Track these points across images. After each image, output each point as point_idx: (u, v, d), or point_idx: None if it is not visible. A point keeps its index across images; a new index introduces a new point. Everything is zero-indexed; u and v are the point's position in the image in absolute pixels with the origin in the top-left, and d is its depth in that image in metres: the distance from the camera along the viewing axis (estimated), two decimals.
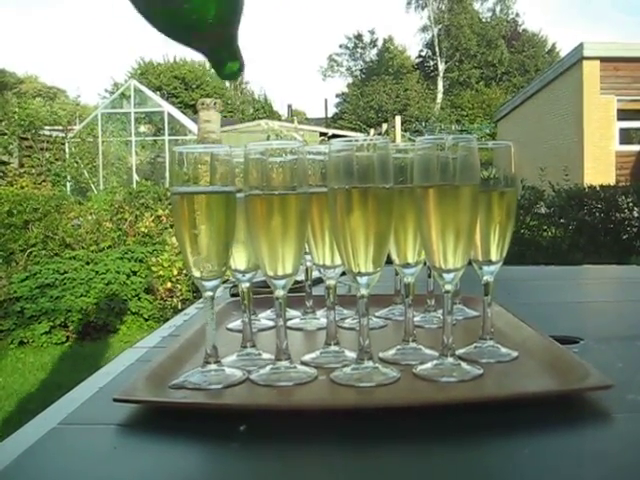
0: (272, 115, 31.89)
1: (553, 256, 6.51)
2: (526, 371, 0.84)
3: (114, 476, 0.62)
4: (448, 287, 0.84)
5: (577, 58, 12.91)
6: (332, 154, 0.81)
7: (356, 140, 0.82)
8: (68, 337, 5.36)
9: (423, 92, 35.53)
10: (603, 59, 12.70)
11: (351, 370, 0.82)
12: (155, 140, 13.51)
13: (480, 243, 0.91)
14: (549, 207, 7.35)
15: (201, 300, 0.98)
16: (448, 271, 0.83)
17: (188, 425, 0.72)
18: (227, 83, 36.78)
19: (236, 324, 1.11)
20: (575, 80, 13.06)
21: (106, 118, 13.05)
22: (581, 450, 0.66)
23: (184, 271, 5.23)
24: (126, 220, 6.87)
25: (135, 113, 13.24)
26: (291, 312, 1.14)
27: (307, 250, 0.95)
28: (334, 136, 15.98)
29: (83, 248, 6.43)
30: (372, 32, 39.43)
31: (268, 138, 11.36)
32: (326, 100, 48.29)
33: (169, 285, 5.48)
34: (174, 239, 5.37)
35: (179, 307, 5.20)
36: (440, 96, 35.79)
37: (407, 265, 0.95)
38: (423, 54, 38.47)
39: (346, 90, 38.15)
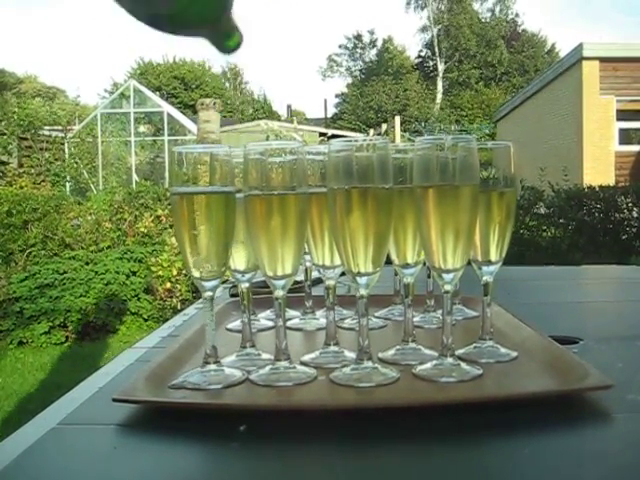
0: (271, 115, 31.90)
1: (552, 256, 6.51)
2: (526, 371, 0.84)
3: (114, 476, 0.62)
4: (447, 287, 0.84)
5: (576, 58, 12.91)
6: (331, 154, 0.81)
7: (355, 140, 0.82)
8: (67, 337, 5.36)
9: (422, 92, 35.53)
10: (602, 59, 12.70)
11: (350, 370, 0.82)
12: (154, 140, 13.51)
13: (479, 243, 0.91)
14: (549, 207, 7.36)
15: (200, 300, 0.98)
16: (447, 271, 0.83)
17: (188, 425, 0.72)
18: (227, 83, 36.79)
19: (235, 324, 1.11)
20: (574, 80, 13.07)
21: (105, 118, 13.05)
22: (581, 450, 0.66)
23: (184, 271, 5.23)
24: (125, 220, 6.87)
25: (134, 113, 13.23)
26: (290, 312, 1.14)
27: (306, 250, 0.95)
28: (334, 136, 15.99)
29: (82, 248, 6.43)
30: (372, 32, 39.50)
31: (267, 138, 11.36)
32: (325, 100, 48.43)
33: (168, 285, 5.48)
34: (173, 239, 5.37)
35: (178, 307, 5.20)
36: (439, 96, 35.81)
37: (406, 265, 0.95)
38: (422, 54, 38.51)
39: (345, 90, 38.17)
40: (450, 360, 0.84)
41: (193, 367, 0.85)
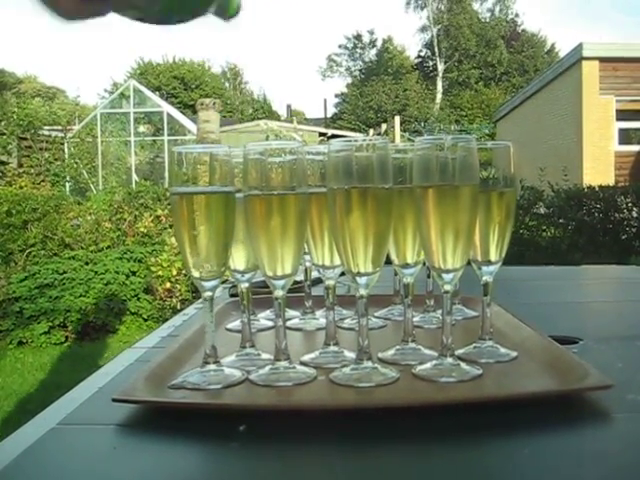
0: (271, 115, 31.90)
1: (552, 256, 6.51)
2: (525, 371, 0.84)
3: (113, 476, 0.62)
4: (447, 287, 0.84)
5: (576, 58, 12.91)
6: (331, 154, 0.81)
7: (355, 140, 0.82)
8: (67, 337, 5.36)
9: (422, 92, 35.54)
10: (602, 59, 12.70)
11: (350, 370, 0.82)
12: (154, 140, 13.51)
13: (479, 243, 0.91)
14: (548, 207, 7.36)
15: (200, 300, 0.98)
16: (447, 271, 0.83)
17: (187, 425, 0.72)
18: (226, 83, 36.79)
19: (235, 324, 1.11)
20: (574, 80, 13.07)
21: (105, 118, 13.04)
22: (581, 450, 0.66)
23: (183, 271, 5.23)
24: (125, 220, 6.87)
25: (134, 113, 13.23)
26: (290, 312, 1.14)
27: (306, 250, 0.95)
28: (333, 136, 15.99)
29: (82, 248, 6.43)
30: (371, 32, 39.51)
31: (267, 138, 11.36)
32: (325, 100, 48.45)
33: (168, 285, 5.48)
34: (173, 239, 5.37)
35: (178, 307, 5.20)
36: (439, 96, 35.81)
37: (406, 265, 0.95)
38: (422, 54, 38.53)
39: (345, 90, 38.18)
40: (450, 360, 0.83)
41: (193, 367, 0.85)
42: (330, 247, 0.92)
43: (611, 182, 8.91)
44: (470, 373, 0.82)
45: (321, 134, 18.90)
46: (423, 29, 37.65)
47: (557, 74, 14.23)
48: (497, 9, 36.98)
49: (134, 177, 12.63)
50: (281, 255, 0.82)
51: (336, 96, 38.79)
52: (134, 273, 5.86)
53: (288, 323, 1.03)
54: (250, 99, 38.13)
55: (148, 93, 14.18)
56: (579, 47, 12.76)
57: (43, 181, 10.29)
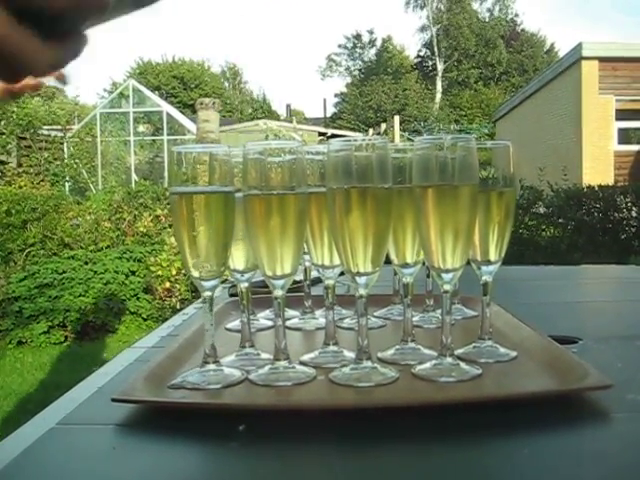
0: (271, 115, 31.88)
1: (552, 256, 6.51)
2: (525, 371, 0.84)
3: (113, 476, 0.62)
4: (447, 287, 0.84)
5: (576, 58, 12.92)
6: (331, 154, 0.81)
7: (355, 140, 0.82)
8: (67, 337, 5.36)
9: (422, 92, 35.53)
10: (602, 59, 12.71)
11: (350, 370, 0.82)
12: (154, 140, 13.50)
13: (479, 243, 0.91)
14: (548, 207, 7.37)
15: (200, 300, 0.98)
16: (447, 271, 0.83)
17: (187, 425, 0.72)
18: (226, 83, 36.74)
19: (235, 324, 1.11)
20: (574, 80, 13.07)
21: (105, 118, 13.03)
22: (580, 450, 0.66)
23: (183, 271, 5.23)
24: (125, 220, 6.87)
25: (134, 113, 13.21)
26: (290, 312, 1.14)
27: (306, 250, 0.95)
28: (333, 136, 15.98)
29: (82, 248, 6.43)
30: (371, 32, 39.50)
31: (267, 138, 11.36)
32: (325, 100, 48.43)
33: (168, 285, 5.48)
34: (173, 239, 5.37)
35: (178, 307, 5.19)
36: (439, 96, 35.81)
37: (406, 265, 0.95)
38: (422, 54, 38.53)
39: (345, 90, 38.17)
40: (449, 360, 0.83)
41: (192, 367, 0.85)
42: (329, 247, 0.92)
43: (610, 182, 8.92)
44: (470, 373, 0.82)
45: (320, 134, 18.89)
46: (423, 29, 37.70)
47: (556, 74, 14.23)
48: (496, 9, 37.02)
49: (133, 177, 12.62)
50: (280, 255, 0.82)
51: (335, 96, 38.84)
52: (133, 273, 5.86)
53: (288, 323, 1.03)
54: (249, 99, 38.12)
55: (147, 93, 14.17)
56: (578, 47, 12.76)
57: (42, 181, 10.28)
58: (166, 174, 10.90)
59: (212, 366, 0.83)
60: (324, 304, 0.93)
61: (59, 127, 11.83)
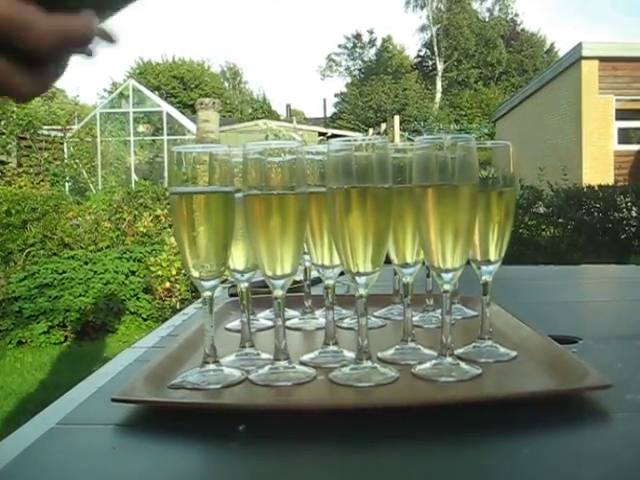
0: (271, 115, 31.88)
1: (552, 256, 6.52)
2: (525, 371, 0.84)
3: (113, 476, 0.62)
4: (447, 287, 0.84)
5: (576, 58, 12.91)
6: (331, 154, 0.81)
7: (355, 140, 0.81)
8: (66, 337, 5.36)
9: (422, 92, 35.53)
10: (602, 59, 12.71)
11: (350, 370, 0.82)
12: (154, 140, 13.49)
13: (479, 243, 0.91)
14: (548, 207, 7.37)
15: (200, 300, 0.98)
16: (447, 271, 0.83)
17: (187, 425, 0.72)
18: (226, 83, 36.74)
19: (235, 324, 1.11)
20: (574, 80, 13.07)
21: (105, 118, 13.03)
22: (580, 450, 0.66)
23: (183, 271, 5.23)
24: (125, 220, 6.87)
25: (134, 113, 13.21)
26: (290, 312, 1.14)
27: (306, 250, 0.95)
28: (333, 136, 15.98)
29: (82, 248, 6.43)
30: (371, 32, 39.49)
31: (267, 138, 11.36)
32: (325, 100, 48.45)
33: (168, 285, 5.48)
34: (173, 239, 5.37)
35: (178, 307, 5.20)
36: (439, 96, 35.81)
37: (406, 265, 0.95)
38: (422, 54, 38.53)
39: (345, 90, 38.16)
40: (449, 360, 0.83)
41: (192, 367, 0.85)
42: (329, 247, 0.92)
43: (610, 181, 8.92)
44: (469, 373, 0.82)
45: (320, 134, 18.89)
46: (422, 29, 37.70)
47: (556, 73, 14.23)
48: (496, 8, 37.02)
49: (133, 177, 12.62)
50: (280, 255, 0.82)
51: (335, 96, 38.82)
52: (133, 273, 5.86)
53: (287, 323, 1.03)
54: (249, 99, 38.11)
55: (147, 93, 14.16)
56: (578, 46, 12.76)
57: (42, 181, 10.28)
58: (166, 174, 10.90)
59: (212, 366, 0.83)
60: (324, 304, 0.93)
61: (59, 127, 11.83)
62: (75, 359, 4.83)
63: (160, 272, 5.50)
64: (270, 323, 1.10)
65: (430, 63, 37.80)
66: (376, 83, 35.36)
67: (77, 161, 11.48)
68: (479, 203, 0.84)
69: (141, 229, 6.68)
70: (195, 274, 0.83)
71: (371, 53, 39.14)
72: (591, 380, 0.75)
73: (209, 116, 8.27)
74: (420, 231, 0.85)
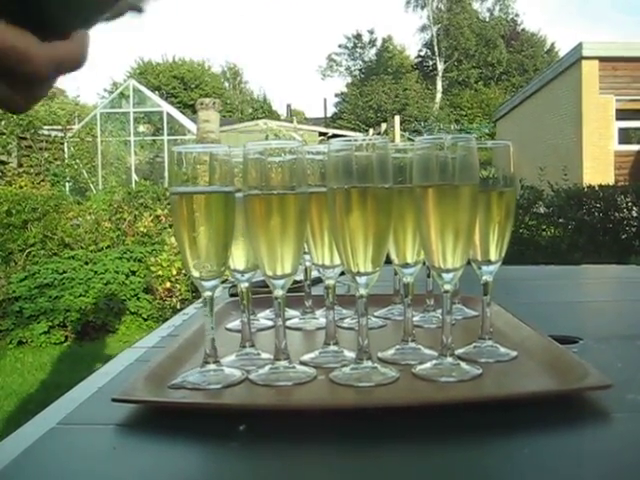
0: (271, 115, 31.88)
1: (552, 256, 6.51)
2: (525, 371, 0.84)
3: (113, 476, 0.62)
4: (447, 287, 0.84)
5: (576, 58, 12.91)
6: (331, 154, 0.81)
7: (355, 140, 0.82)
8: (67, 337, 5.37)
9: (422, 92, 35.53)
10: (602, 59, 12.70)
11: (350, 370, 0.82)
12: (154, 140, 13.50)
13: (479, 243, 0.91)
14: (548, 207, 7.36)
15: (200, 300, 0.98)
16: (447, 271, 0.83)
17: (187, 425, 0.72)
18: (226, 83, 36.74)
19: (235, 324, 1.11)
20: (574, 80, 13.07)
21: (105, 118, 13.03)
22: (581, 450, 0.66)
23: (183, 271, 5.23)
24: (125, 220, 6.87)
25: (134, 113, 13.21)
26: (290, 312, 1.14)
27: (306, 250, 0.95)
28: (334, 136, 15.98)
29: (82, 248, 6.43)
30: (371, 32, 39.48)
31: (267, 138, 11.36)
32: (325, 100, 48.49)
33: (168, 285, 5.48)
34: (173, 239, 5.37)
35: (178, 307, 5.20)
36: (439, 96, 35.80)
37: (406, 265, 0.95)
38: (422, 54, 38.52)
39: (345, 90, 38.16)
40: (450, 360, 0.83)
41: (193, 367, 0.85)
42: (330, 247, 0.92)
43: (611, 181, 8.92)
44: (470, 373, 0.82)
45: (321, 134, 18.90)
46: (423, 29, 37.69)
47: (557, 73, 14.23)
48: (497, 9, 37.02)
49: (134, 177, 12.62)
50: (281, 255, 0.82)
51: (336, 96, 38.81)
52: (134, 273, 5.86)
53: (288, 323, 1.03)
54: (250, 99, 38.12)
55: (148, 93, 14.17)
56: (579, 46, 12.76)
57: (43, 181, 10.28)
58: (166, 174, 10.90)
59: (212, 366, 0.83)
60: (324, 304, 0.93)
61: (59, 127, 11.83)
62: (75, 359, 4.83)
63: (160, 272, 5.51)
64: (270, 323, 1.10)
65: (430, 63, 37.79)
66: (376, 83, 35.36)
67: (77, 161, 11.48)
68: (479, 203, 0.84)
69: (141, 229, 6.68)
70: (195, 274, 0.83)
71: (371, 53, 39.18)
72: (591, 380, 0.75)
73: (209, 116, 8.27)
74: (420, 231, 0.85)
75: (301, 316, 1.15)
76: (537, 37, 37.30)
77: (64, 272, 5.65)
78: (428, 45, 37.63)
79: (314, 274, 1.13)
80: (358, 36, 39.23)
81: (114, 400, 0.74)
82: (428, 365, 0.84)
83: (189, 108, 23.97)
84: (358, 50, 39.49)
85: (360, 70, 39.15)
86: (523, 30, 37.32)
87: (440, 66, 36.27)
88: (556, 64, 15.25)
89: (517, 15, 37.63)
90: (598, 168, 12.18)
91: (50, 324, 5.29)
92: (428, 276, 1.11)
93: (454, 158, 0.81)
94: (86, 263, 5.88)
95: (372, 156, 0.80)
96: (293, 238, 0.82)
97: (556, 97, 14.31)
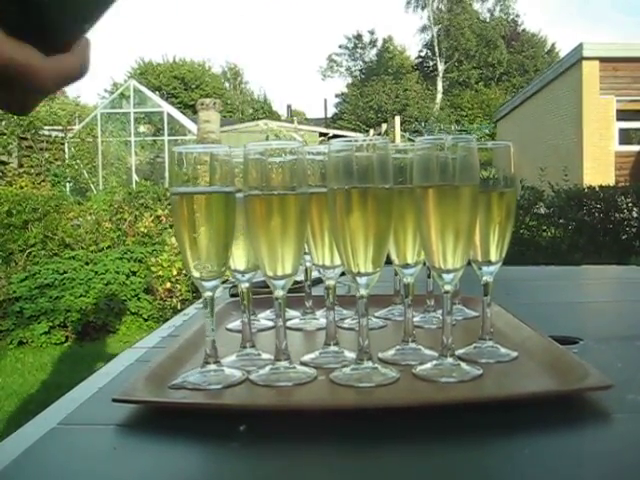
0: (271, 115, 31.89)
1: (552, 256, 6.51)
2: (526, 371, 0.84)
3: (114, 476, 0.62)
4: (447, 287, 0.84)
5: (576, 58, 12.91)
6: (331, 154, 0.81)
7: (355, 140, 0.82)
8: (67, 337, 5.37)
9: (422, 92, 35.52)
10: (602, 59, 12.70)
11: (350, 370, 0.82)
12: (154, 140, 13.50)
13: (479, 243, 0.91)
14: (548, 207, 7.36)
15: (200, 300, 0.98)
16: (447, 271, 0.83)
17: (188, 425, 0.72)
18: (227, 83, 36.76)
19: (235, 324, 1.11)
20: (574, 80, 13.07)
21: (105, 118, 13.04)
22: (581, 450, 0.66)
23: (183, 271, 5.23)
24: (125, 220, 6.87)
25: (134, 113, 13.22)
26: (290, 312, 1.14)
27: (306, 250, 0.95)
28: (334, 136, 15.97)
29: (82, 248, 6.43)
30: (372, 32, 39.49)
31: (267, 138, 11.36)
32: (325, 100, 48.44)
33: (168, 285, 5.48)
34: (173, 239, 5.37)
35: (178, 307, 5.20)
36: (439, 96, 35.80)
37: (406, 265, 0.95)
38: (423, 54, 38.50)
39: (345, 90, 38.15)
40: (450, 360, 0.84)
41: (193, 367, 0.85)
42: (330, 247, 0.92)
43: (611, 182, 8.92)
44: (470, 373, 0.82)
45: (321, 134, 18.90)
46: (423, 29, 37.69)
47: (557, 74, 14.22)
48: (497, 9, 37.00)
49: (134, 177, 12.63)
50: (281, 255, 0.82)
51: (336, 96, 38.80)
52: (134, 273, 5.86)
53: (288, 323, 1.03)
54: (250, 99, 38.12)
55: (148, 93, 14.17)
56: (579, 47, 12.76)
57: (43, 181, 10.28)
58: (167, 174, 10.91)
59: (213, 366, 0.83)
60: (325, 304, 0.93)
61: (60, 127, 11.84)
62: (76, 359, 4.83)
63: (161, 272, 5.51)
64: (271, 323, 1.10)
65: (431, 64, 37.79)
66: (377, 83, 35.36)
67: (78, 161, 11.49)
68: (480, 204, 0.84)
69: (142, 229, 6.68)
70: (196, 274, 0.83)
71: (372, 53, 39.17)
72: (592, 380, 0.75)
73: (210, 116, 8.28)
74: (421, 231, 0.85)
75: (301, 316, 1.15)
76: (538, 38, 37.30)
77: (65, 272, 5.65)
78: (428, 46, 37.64)
79: (314, 274, 1.13)
80: (358, 36, 39.26)
81: (114, 400, 0.74)
82: (428, 365, 0.84)
83: (189, 108, 23.97)
84: (358, 50, 39.50)
85: (360, 70, 39.16)
86: (524, 31, 37.32)
87: (440, 67, 36.27)
88: (557, 65, 15.25)
89: (518, 16, 37.66)
90: (599, 169, 12.18)
91: (51, 324, 5.30)
92: (428, 276, 1.11)
93: (454, 159, 0.81)
94: (87, 263, 5.89)
95: (372, 156, 0.80)
96: (293, 238, 0.82)
97: (556, 98, 14.31)
